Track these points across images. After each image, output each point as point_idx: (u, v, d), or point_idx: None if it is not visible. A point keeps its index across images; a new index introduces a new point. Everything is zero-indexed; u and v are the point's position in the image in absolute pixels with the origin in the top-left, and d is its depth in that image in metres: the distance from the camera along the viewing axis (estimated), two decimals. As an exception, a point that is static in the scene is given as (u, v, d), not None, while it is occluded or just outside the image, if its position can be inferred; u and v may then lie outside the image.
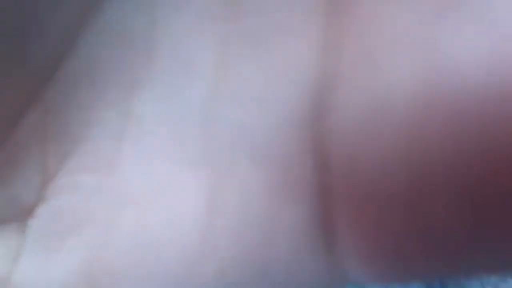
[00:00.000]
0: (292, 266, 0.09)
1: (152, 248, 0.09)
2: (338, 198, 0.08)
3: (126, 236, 0.09)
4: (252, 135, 0.09)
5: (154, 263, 0.09)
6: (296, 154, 0.09)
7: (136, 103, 0.09)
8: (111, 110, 0.09)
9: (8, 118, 0.09)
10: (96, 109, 0.09)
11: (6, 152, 0.09)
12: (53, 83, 0.09)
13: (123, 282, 0.09)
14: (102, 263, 0.09)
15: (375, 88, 0.08)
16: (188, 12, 0.09)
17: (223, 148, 0.09)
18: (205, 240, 0.09)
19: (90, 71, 0.09)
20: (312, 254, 0.09)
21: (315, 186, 0.09)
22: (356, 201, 0.08)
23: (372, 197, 0.08)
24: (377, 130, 0.08)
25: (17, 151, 0.09)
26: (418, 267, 0.08)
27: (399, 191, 0.08)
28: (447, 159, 0.07)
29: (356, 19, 0.08)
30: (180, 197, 0.09)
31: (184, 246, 0.09)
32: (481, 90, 0.07)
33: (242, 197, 0.09)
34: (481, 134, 0.07)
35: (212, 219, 0.09)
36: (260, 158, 0.09)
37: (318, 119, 0.08)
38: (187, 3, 0.09)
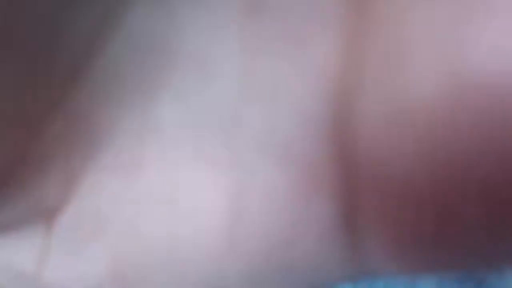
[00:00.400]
0: (317, 263, 0.09)
1: (177, 248, 0.09)
2: (363, 196, 0.08)
3: (151, 237, 0.10)
4: (275, 136, 0.09)
5: (180, 263, 0.09)
6: (319, 154, 0.09)
7: (158, 105, 0.09)
8: (133, 113, 0.09)
9: (33, 124, 0.09)
10: (119, 112, 0.09)
11: (31, 155, 0.09)
12: (77, 89, 0.09)
13: (149, 282, 0.10)
14: (128, 263, 0.10)
15: (399, 88, 0.08)
16: (208, 13, 0.09)
17: (246, 149, 0.09)
18: (230, 240, 0.09)
19: (112, 76, 0.09)
20: (337, 251, 0.09)
21: (340, 184, 0.09)
22: (381, 198, 0.08)
23: (396, 194, 0.08)
24: (402, 129, 0.08)
25: (42, 155, 0.09)
26: (442, 261, 0.08)
27: (423, 189, 0.08)
28: (471, 161, 0.07)
29: (378, 22, 0.08)
30: (204, 198, 0.09)
31: (210, 245, 0.09)
32: (507, 94, 0.07)
33: (266, 197, 0.09)
34: (505, 137, 0.07)
35: (237, 219, 0.09)
36: (283, 158, 0.09)
37: (342, 118, 0.08)
38: (207, 4, 0.09)
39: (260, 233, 0.09)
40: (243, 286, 0.09)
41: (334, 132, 0.08)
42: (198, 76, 0.09)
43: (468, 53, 0.07)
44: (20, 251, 0.10)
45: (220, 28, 0.09)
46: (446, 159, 0.07)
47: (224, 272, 0.09)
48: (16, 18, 0.08)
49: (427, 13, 0.08)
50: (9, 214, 0.10)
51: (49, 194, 0.10)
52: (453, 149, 0.07)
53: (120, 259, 0.10)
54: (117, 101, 0.09)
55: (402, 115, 0.08)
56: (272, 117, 0.09)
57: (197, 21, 0.09)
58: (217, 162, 0.09)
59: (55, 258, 0.10)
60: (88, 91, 0.09)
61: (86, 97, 0.09)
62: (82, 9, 0.09)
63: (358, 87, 0.08)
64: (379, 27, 0.08)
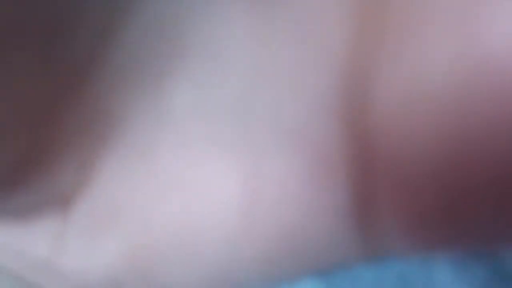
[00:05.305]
0: (331, 245, 0.09)
1: (193, 231, 0.09)
2: (376, 178, 0.08)
3: (166, 221, 0.10)
4: (288, 120, 0.09)
5: (196, 245, 0.10)
6: (333, 138, 0.09)
7: (171, 91, 0.09)
8: (148, 99, 0.09)
9: (49, 111, 0.09)
10: (133, 99, 0.09)
11: (47, 141, 0.09)
12: (92, 76, 0.09)
13: (166, 264, 0.10)
14: (144, 246, 0.10)
15: (412, 70, 0.08)
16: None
17: (259, 133, 0.09)
18: (244, 224, 0.09)
19: (125, 62, 0.09)
20: (350, 233, 0.09)
21: (353, 167, 0.09)
22: (394, 180, 0.08)
23: (409, 175, 0.08)
24: (415, 111, 0.08)
25: (58, 141, 0.09)
26: (456, 240, 0.08)
27: (436, 169, 0.08)
28: (483, 141, 0.07)
29: (392, 2, 0.08)
30: (218, 183, 0.09)
31: (224, 228, 0.09)
32: None
33: (280, 181, 0.09)
34: None
35: (250, 203, 0.09)
36: (296, 142, 0.09)
37: (356, 102, 0.08)
38: None
39: (274, 216, 0.09)
40: (257, 269, 0.10)
41: (347, 115, 0.09)
42: (210, 62, 0.09)
43: (481, 35, 0.07)
44: (35, 239, 0.10)
45: (230, 13, 0.09)
46: (460, 138, 0.07)
47: (238, 255, 0.09)
48: (33, 5, 0.08)
49: None
50: (24, 202, 0.10)
51: (64, 181, 0.10)
52: (466, 129, 0.07)
53: (136, 245, 0.10)
54: (131, 88, 0.09)
55: (416, 98, 0.08)
56: (285, 101, 0.09)
57: (208, 8, 0.09)
58: (230, 147, 0.09)
59: (71, 246, 0.10)
60: (103, 78, 0.09)
61: (101, 84, 0.09)
62: None
63: (372, 70, 0.08)
64: (393, 8, 0.08)
